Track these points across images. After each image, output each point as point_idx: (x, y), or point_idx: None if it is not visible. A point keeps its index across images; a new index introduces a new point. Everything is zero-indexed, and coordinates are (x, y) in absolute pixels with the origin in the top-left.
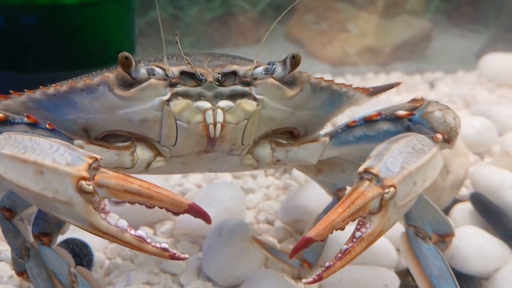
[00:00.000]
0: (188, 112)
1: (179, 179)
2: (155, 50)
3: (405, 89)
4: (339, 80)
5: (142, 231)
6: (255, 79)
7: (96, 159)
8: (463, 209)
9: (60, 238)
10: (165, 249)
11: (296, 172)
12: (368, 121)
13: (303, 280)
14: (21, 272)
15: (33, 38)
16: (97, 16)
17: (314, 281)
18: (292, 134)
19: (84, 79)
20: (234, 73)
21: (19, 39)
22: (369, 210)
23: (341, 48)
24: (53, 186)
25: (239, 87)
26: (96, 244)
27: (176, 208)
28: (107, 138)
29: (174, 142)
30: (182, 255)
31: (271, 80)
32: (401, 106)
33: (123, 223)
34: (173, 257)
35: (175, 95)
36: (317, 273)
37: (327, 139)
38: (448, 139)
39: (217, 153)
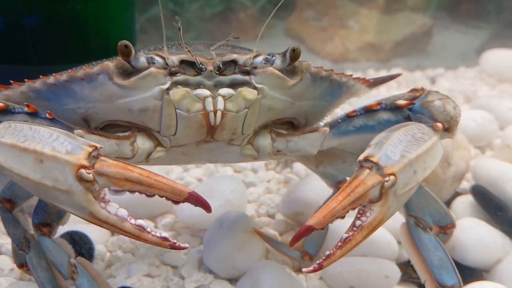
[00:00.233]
0: (188, 100)
1: (180, 173)
2: None
3: (406, 85)
4: None
5: (142, 221)
6: (255, 68)
7: (96, 148)
8: (464, 202)
9: (61, 230)
10: (165, 238)
11: (297, 166)
12: (368, 110)
13: (304, 269)
14: (22, 264)
15: (35, 32)
16: (99, 11)
17: (314, 270)
18: (292, 125)
19: (84, 68)
20: (234, 62)
21: (21, 33)
22: (369, 198)
23: (342, 44)
24: (52, 175)
25: (239, 76)
26: (97, 237)
27: (176, 197)
28: (107, 128)
29: (174, 131)
30: (182, 245)
31: (271, 69)
32: (401, 96)
33: (123, 212)
34: (173, 246)
35: (175, 84)
36: (318, 262)
37: (327, 129)
38: (448, 128)
39: (217, 143)
